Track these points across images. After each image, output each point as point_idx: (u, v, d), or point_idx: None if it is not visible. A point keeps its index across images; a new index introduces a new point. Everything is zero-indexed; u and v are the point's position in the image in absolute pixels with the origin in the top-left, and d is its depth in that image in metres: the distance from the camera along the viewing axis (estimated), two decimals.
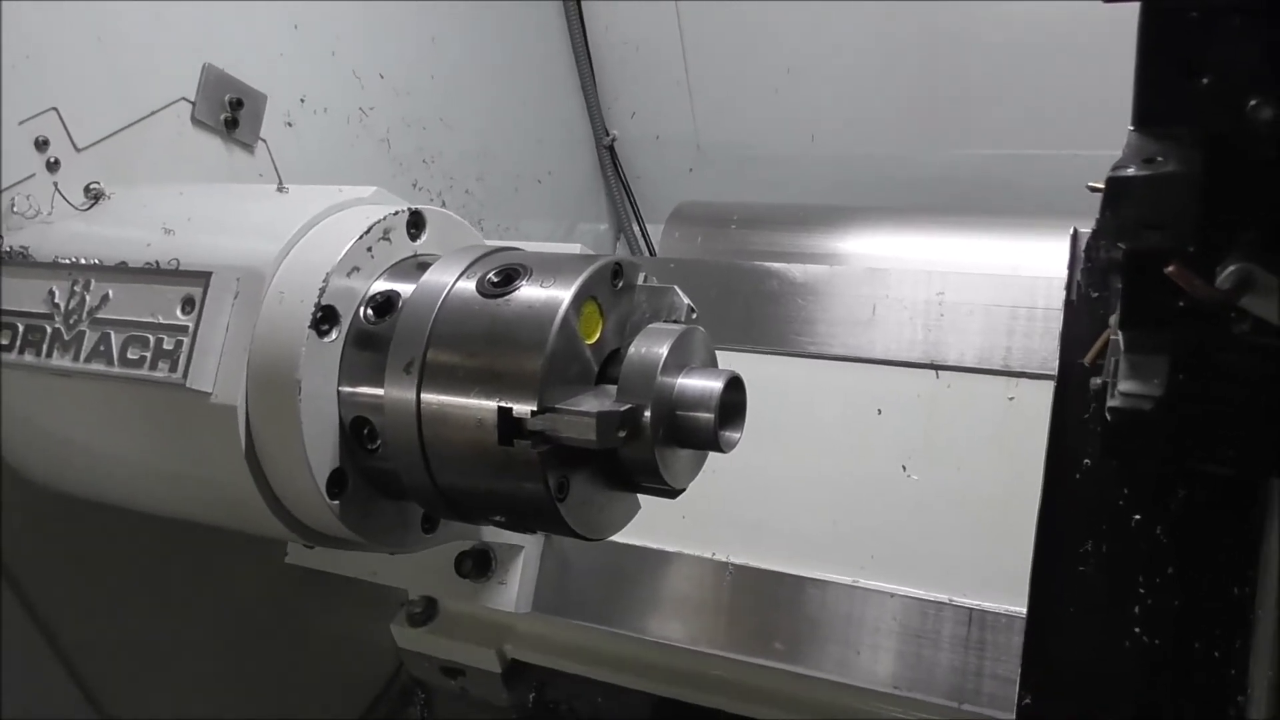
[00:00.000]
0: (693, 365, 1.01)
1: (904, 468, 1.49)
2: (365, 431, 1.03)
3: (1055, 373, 1.40)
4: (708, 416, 0.97)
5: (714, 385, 0.98)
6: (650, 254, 3.05)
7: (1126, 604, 1.24)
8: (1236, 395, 0.97)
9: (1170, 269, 0.77)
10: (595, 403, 0.93)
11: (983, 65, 2.52)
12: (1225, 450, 1.03)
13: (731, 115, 2.91)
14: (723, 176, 3.00)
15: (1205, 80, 0.78)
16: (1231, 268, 0.79)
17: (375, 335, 1.03)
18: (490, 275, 1.00)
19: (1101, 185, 0.82)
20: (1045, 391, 1.40)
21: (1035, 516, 1.29)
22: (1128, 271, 0.83)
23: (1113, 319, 1.03)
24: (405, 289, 1.05)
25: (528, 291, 0.97)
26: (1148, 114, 0.79)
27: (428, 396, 0.96)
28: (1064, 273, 1.40)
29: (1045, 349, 1.47)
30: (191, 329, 1.03)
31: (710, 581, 1.51)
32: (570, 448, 0.92)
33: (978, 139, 2.65)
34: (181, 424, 1.05)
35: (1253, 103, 0.75)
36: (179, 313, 1.04)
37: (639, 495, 1.09)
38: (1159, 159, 0.76)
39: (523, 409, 0.91)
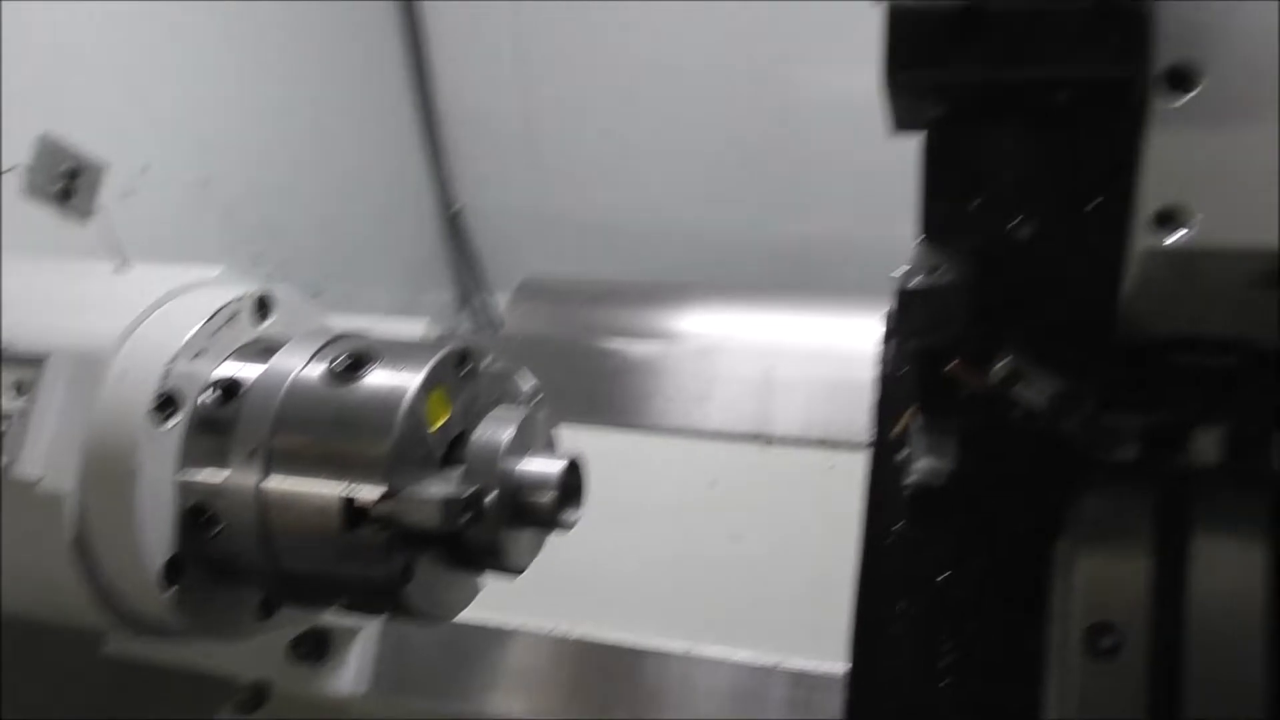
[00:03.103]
0: (535, 448, 1.06)
1: (735, 537, 1.57)
2: (205, 518, 1.02)
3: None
4: (548, 498, 1.02)
5: (554, 468, 1.03)
6: (496, 325, 3.08)
7: (935, 658, 1.35)
8: (1019, 469, 1.10)
9: (950, 366, 0.88)
10: (440, 487, 0.96)
11: (819, 144, 2.70)
12: (1014, 518, 1.16)
13: (579, 188, 3.00)
14: (570, 248, 3.07)
15: (978, 200, 0.91)
16: (1002, 362, 0.91)
17: (218, 420, 1.03)
18: (337, 361, 1.02)
19: None
20: (862, 461, 1.51)
21: None
22: (916, 367, 0.94)
23: None
24: (251, 373, 1.05)
25: (375, 378, 1.00)
26: (929, 229, 0.91)
27: (270, 484, 0.97)
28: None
29: (863, 421, 1.59)
30: (22, 414, 1.00)
31: (549, 656, 1.54)
32: (415, 531, 0.95)
33: (811, 217, 2.83)
34: (7, 512, 1.02)
35: (1014, 222, 0.88)
36: (9, 399, 1.02)
37: (481, 575, 1.12)
38: (940, 269, 0.88)
39: (368, 494, 0.94)
